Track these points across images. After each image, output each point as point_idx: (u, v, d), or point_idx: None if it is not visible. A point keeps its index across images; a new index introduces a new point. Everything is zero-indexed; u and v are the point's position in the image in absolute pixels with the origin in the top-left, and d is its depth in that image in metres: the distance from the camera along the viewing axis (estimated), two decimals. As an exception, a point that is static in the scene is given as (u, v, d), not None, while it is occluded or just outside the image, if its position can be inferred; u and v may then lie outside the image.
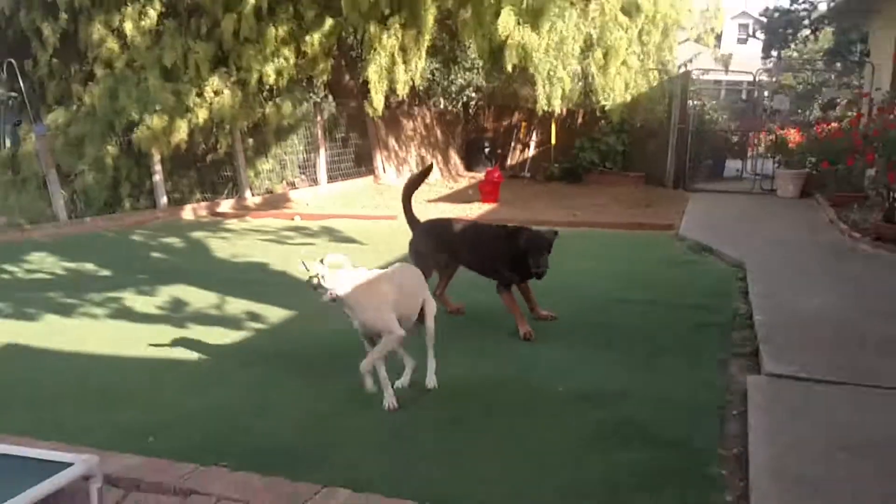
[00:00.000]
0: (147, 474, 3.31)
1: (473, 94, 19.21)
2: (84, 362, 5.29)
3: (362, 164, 16.75)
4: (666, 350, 5.44)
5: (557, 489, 3.44)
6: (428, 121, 18.49)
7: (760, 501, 3.14)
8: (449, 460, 3.75)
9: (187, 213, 12.85)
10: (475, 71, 18.57)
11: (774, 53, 36.92)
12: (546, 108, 13.93)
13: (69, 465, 2.96)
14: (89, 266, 8.62)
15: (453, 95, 18.95)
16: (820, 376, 4.53)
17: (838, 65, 26.97)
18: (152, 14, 12.19)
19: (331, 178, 15.77)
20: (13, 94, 11.91)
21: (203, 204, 13.36)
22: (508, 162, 19.17)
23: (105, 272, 8.33)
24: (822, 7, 16.53)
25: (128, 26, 12.07)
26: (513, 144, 19.35)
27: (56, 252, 9.44)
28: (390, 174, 17.01)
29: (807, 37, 35.82)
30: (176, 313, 6.54)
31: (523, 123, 19.08)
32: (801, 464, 3.44)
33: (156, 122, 11.87)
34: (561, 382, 4.76)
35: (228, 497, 3.14)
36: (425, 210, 13.15)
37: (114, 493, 3.19)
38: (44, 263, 8.82)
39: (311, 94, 15.42)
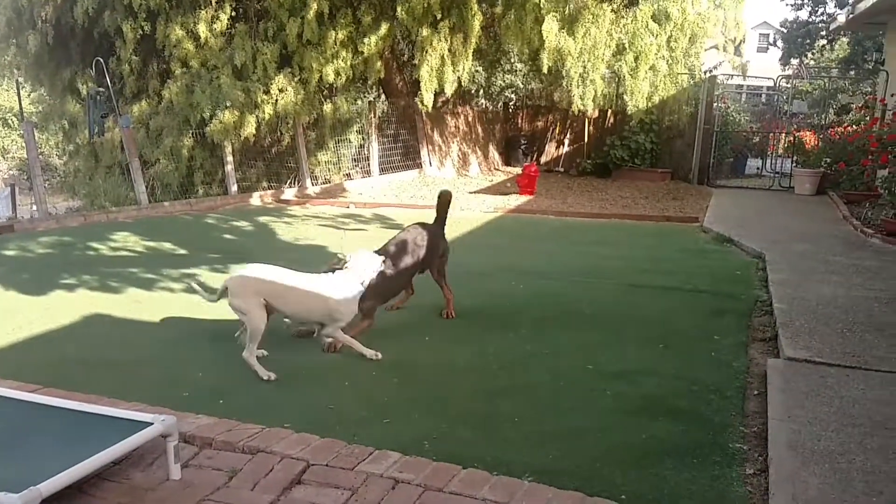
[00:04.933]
0: (218, 433, 3.32)
1: (512, 95, 19.11)
2: (162, 331, 5.35)
3: (410, 157, 16.73)
4: (690, 334, 5.33)
5: (588, 455, 3.40)
6: (470, 119, 18.41)
7: (779, 472, 3.08)
8: (488, 427, 3.71)
9: (255, 199, 12.92)
10: (513, 73, 18.47)
11: (794, 61, 36.11)
12: (581, 108, 13.78)
13: (149, 424, 2.98)
14: (167, 245, 8.71)
15: (493, 96, 18.86)
16: (834, 360, 4.48)
17: (852, 72, 26.34)
18: (224, 18, 12.26)
19: (382, 170, 15.76)
20: (101, 89, 12.06)
21: (269, 192, 13.44)
22: (543, 158, 19.08)
23: (181, 251, 8.41)
24: (841, 19, 16.05)
25: (202, 29, 12.14)
26: (548, 142, 19.22)
27: (137, 232, 9.56)
28: (436, 167, 16.98)
29: (823, 46, 35.03)
30: (244, 289, 6.56)
31: (558, 123, 18.94)
32: (816, 439, 3.39)
33: (227, 116, 11.95)
34: (589, 361, 4.68)
35: (290, 455, 3.13)
36: (467, 200, 13.13)
37: (188, 449, 3.20)
38: (126, 242, 8.93)
39: (366, 93, 15.44)
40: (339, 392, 4.12)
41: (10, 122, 25.28)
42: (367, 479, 2.94)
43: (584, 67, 13.17)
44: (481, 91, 18.38)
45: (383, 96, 16.47)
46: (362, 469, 3.01)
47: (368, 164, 15.65)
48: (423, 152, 16.75)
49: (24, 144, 21.72)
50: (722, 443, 3.52)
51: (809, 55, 36.23)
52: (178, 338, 5.19)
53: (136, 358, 4.74)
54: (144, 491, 2.88)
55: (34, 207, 10.88)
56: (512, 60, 17.96)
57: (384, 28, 13.01)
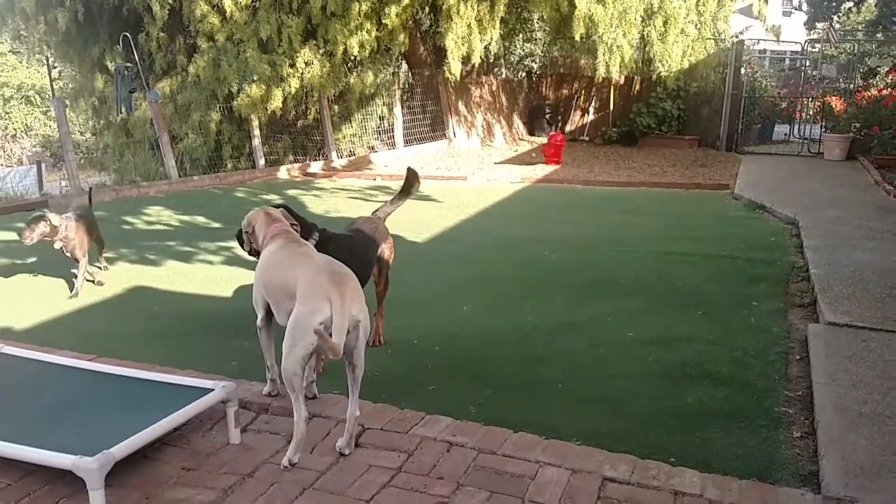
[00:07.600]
0: (274, 399, 3.40)
1: (533, 64, 18.96)
2: (207, 302, 5.44)
3: (435, 129, 16.69)
4: (727, 300, 5.35)
5: (633, 419, 3.46)
6: (493, 88, 18.29)
7: (828, 435, 3.11)
8: (531, 393, 3.78)
9: (282, 172, 12.97)
10: (533, 42, 18.30)
11: (821, 25, 35.42)
12: (605, 75, 13.67)
13: (210, 390, 3.06)
14: (200, 219, 8.81)
15: (513, 65, 18.71)
16: (875, 325, 4.49)
17: (879, 35, 25.82)
18: (248, -10, 12.21)
19: (407, 142, 15.75)
20: (129, 64, 12.12)
21: (296, 165, 13.49)
22: (568, 127, 18.94)
23: (215, 224, 8.51)
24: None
25: (227, 2, 12.05)
26: (572, 110, 19.08)
27: (170, 206, 9.67)
28: (461, 138, 16.93)
29: (849, 9, 34.32)
30: (280, 261, 6.64)
31: (583, 91, 18.78)
32: (862, 402, 3.42)
33: (254, 90, 11.95)
34: (627, 329, 4.73)
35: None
36: (493, 171, 13.10)
37: (246, 415, 3.29)
38: (160, 216, 9.05)
39: (389, 64, 15.37)
40: (383, 361, 4.17)
41: (32, 99, 25.44)
42: (422, 442, 3.01)
43: (613, 34, 13.04)
44: (501, 60, 18.22)
45: (406, 67, 16.39)
46: (416, 433, 3.08)
47: (393, 136, 15.64)
48: (449, 123, 16.70)
49: (46, 122, 21.98)
50: (767, 406, 3.56)
51: (835, 18, 35.51)
52: (224, 308, 5.28)
53: (181, 328, 4.83)
54: (206, 455, 2.97)
55: (64, 183, 11.01)
56: (533, 28, 17.78)
57: (407, -2, 12.90)
